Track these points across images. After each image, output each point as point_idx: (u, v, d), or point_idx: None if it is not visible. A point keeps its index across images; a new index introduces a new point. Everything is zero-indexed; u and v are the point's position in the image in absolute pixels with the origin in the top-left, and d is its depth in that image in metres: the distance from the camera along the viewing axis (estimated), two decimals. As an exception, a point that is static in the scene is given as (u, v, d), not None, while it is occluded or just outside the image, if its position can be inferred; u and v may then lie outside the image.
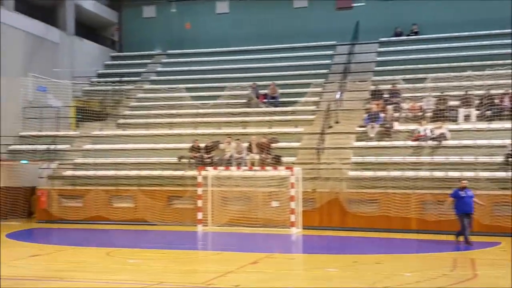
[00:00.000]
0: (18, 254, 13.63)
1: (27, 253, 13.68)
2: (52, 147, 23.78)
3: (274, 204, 19.01)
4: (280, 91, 26.23)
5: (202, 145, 22.17)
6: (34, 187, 22.91)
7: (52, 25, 29.24)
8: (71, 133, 25.41)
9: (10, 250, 14.31)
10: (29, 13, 27.47)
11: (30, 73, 25.54)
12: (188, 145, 22.32)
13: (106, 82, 29.05)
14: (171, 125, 24.71)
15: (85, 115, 26.30)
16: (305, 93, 25.52)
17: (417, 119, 21.63)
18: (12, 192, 23.13)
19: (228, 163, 20.74)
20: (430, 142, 20.15)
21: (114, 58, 33.24)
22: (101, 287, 9.84)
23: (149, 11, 33.76)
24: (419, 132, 20.56)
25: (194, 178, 19.62)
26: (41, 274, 10.90)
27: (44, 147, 23.81)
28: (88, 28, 33.15)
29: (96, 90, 28.68)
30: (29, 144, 24.24)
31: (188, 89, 27.31)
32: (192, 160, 21.68)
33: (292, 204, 17.94)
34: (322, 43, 29.87)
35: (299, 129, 22.88)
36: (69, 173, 22.72)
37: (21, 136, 24.98)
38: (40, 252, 13.87)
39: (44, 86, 26.31)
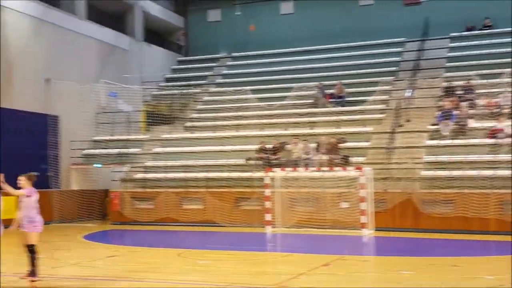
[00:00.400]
0: (95, 255, 14.00)
1: (104, 254, 14.02)
2: (124, 150, 24.40)
3: (344, 205, 18.68)
4: (347, 90, 25.84)
5: (269, 146, 22.11)
6: (108, 190, 23.57)
7: (122, 32, 30.09)
8: (141, 136, 25.98)
9: (88, 251, 14.77)
10: (100, 21, 28.38)
11: (102, 79, 26.33)
12: (255, 147, 22.33)
13: (173, 86, 29.56)
14: (237, 127, 24.82)
15: (154, 119, 26.85)
16: (373, 91, 25.02)
17: (494, 116, 20.74)
18: (87, 195, 23.90)
19: (295, 164, 20.58)
20: (508, 140, 19.25)
21: (180, 62, 33.82)
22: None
23: (214, 15, 34.13)
24: (495, 127, 19.71)
25: (262, 179, 19.58)
26: (118, 274, 11.11)
27: (116, 151, 24.48)
28: (155, 34, 33.91)
29: (164, 94, 29.24)
30: (102, 148, 24.97)
31: (254, 91, 27.37)
32: (259, 162, 21.66)
33: (363, 205, 17.56)
34: (390, 40, 29.23)
35: (368, 129, 22.43)
36: (140, 175, 23.22)
37: (94, 141, 25.76)
38: (116, 253, 14.19)
39: (115, 92, 27.06)
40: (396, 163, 19.70)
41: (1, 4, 22.28)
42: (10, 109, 22.24)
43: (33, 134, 23.18)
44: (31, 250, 10.31)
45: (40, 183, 21.87)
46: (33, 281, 10.14)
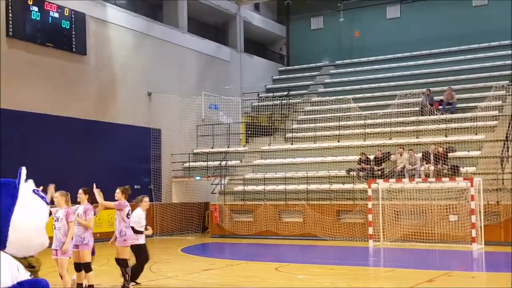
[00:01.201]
0: (191, 268, 14.43)
1: (200, 267, 14.44)
2: (223, 163, 25.08)
3: (452, 218, 18.03)
4: (457, 96, 24.96)
5: (372, 157, 21.83)
6: (207, 203, 24.31)
7: (223, 43, 31.03)
8: (241, 148, 26.57)
9: (184, 264, 15.28)
10: (201, 33, 29.47)
11: (202, 91, 27.28)
12: (357, 158, 22.14)
13: (274, 96, 29.98)
14: (339, 137, 24.72)
15: (254, 130, 27.36)
16: (486, 97, 23.97)
17: None
18: (188, 207, 24.78)
19: (400, 175, 20.17)
20: None
21: (282, 72, 34.25)
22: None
23: (316, 23, 34.31)
24: None
25: (364, 191, 19.35)
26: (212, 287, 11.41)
27: (216, 163, 25.21)
28: (256, 44, 34.65)
29: (264, 105, 29.72)
30: (202, 161, 25.80)
31: (356, 100, 27.14)
32: (362, 173, 21.44)
33: (473, 218, 16.87)
34: (504, 42, 27.91)
35: (480, 137, 21.52)
36: (239, 188, 23.73)
37: (195, 153, 26.69)
38: (212, 266, 14.56)
39: (216, 104, 27.92)
40: (510, 173, 18.74)
41: (108, 20, 23.78)
42: (114, 123, 23.61)
43: (136, 147, 24.42)
44: (123, 264, 10.81)
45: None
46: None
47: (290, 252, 18.48)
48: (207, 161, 25.54)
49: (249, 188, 23.43)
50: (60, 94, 21.59)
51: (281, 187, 22.66)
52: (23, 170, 3.10)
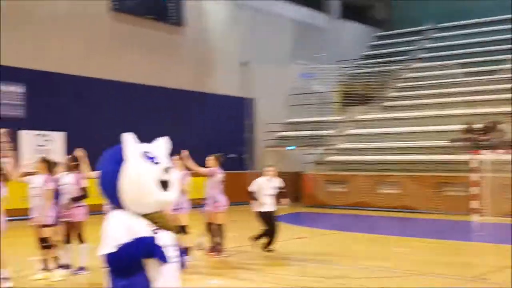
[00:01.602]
0: (284, 236, 14.31)
1: (293, 235, 14.31)
2: (317, 132, 24.66)
3: None
4: None
5: (478, 126, 20.61)
6: (301, 172, 24.06)
7: (318, 10, 30.35)
8: (335, 118, 26.03)
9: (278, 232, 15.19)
10: (295, 0, 28.93)
11: (297, 60, 26.89)
12: (461, 127, 20.98)
13: (371, 63, 29.08)
14: (442, 105, 23.57)
15: (349, 99, 26.70)
16: None
17: None
18: (281, 177, 24.57)
19: (509, 146, 18.90)
20: None
21: (379, 38, 33.14)
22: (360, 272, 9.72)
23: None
24: None
25: (468, 162, 18.32)
26: (305, 256, 11.18)
27: (309, 132, 24.85)
28: (353, 10, 33.60)
29: (360, 73, 28.90)
30: (296, 131, 25.53)
31: (462, 65, 25.73)
32: (466, 143, 20.31)
33: None
34: None
35: None
36: (333, 158, 23.29)
37: (288, 123, 26.45)
38: (306, 235, 14.40)
39: (310, 72, 27.45)
40: None
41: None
42: (210, 94, 23.87)
43: (230, 117, 24.57)
44: (219, 229, 10.88)
45: (236, 165, 23.40)
46: (215, 256, 10.70)
47: (386, 224, 17.91)
48: (301, 130, 25.25)
49: (344, 158, 22.95)
50: (159, 66, 22.20)
51: (377, 157, 21.97)
52: (127, 136, 3.32)
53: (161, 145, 3.48)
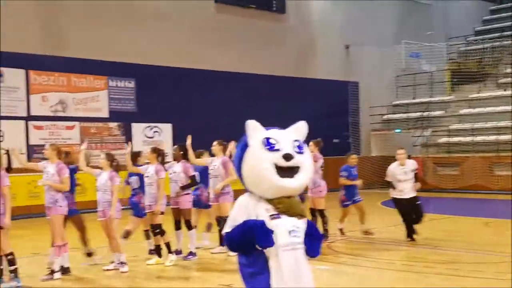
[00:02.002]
0: (391, 221, 14.19)
1: (399, 219, 14.13)
2: (426, 114, 24.04)
3: None
4: None
5: None
6: (409, 155, 23.55)
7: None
8: (446, 98, 25.22)
9: (385, 217, 15.07)
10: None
11: (402, 40, 26.29)
12: None
13: (484, 39, 27.83)
14: None
15: (461, 77, 25.76)
16: None
17: None
18: (387, 161, 24.18)
19: None
20: None
21: (493, 12, 31.60)
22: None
23: None
24: None
25: None
26: (415, 241, 10.97)
27: (417, 114, 24.27)
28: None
29: (473, 50, 27.74)
30: (403, 113, 25.02)
31: None
32: None
33: None
34: None
35: None
36: (444, 140, 22.64)
37: (394, 105, 25.97)
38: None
39: (417, 52, 26.74)
40: None
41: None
42: (313, 79, 23.96)
43: (334, 101, 24.53)
44: (321, 214, 11.00)
45: (341, 150, 23.34)
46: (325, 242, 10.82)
47: (501, 208, 17.20)
48: (408, 112, 24.72)
49: (455, 139, 22.24)
50: (262, 54, 22.61)
51: (492, 137, 21.10)
52: (250, 123, 3.49)
53: (293, 130, 3.61)
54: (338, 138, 23.61)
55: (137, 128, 19.97)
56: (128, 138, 18.91)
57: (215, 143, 10.10)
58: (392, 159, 23.77)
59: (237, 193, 10.28)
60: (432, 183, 21.70)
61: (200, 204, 10.38)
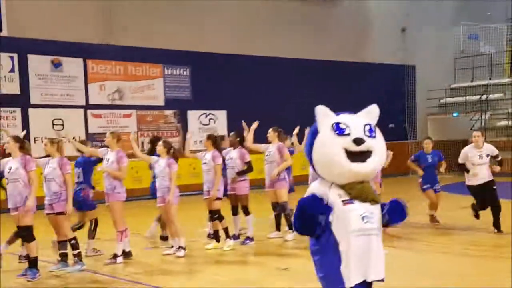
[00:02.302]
0: (448, 206, 14.03)
1: (457, 205, 13.94)
2: (484, 97, 23.46)
3: None
4: None
5: None
6: (466, 140, 23.07)
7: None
8: (505, 80, 24.53)
9: (442, 202, 14.86)
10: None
11: (461, 21, 25.67)
12: None
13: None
14: None
15: (522, 59, 25.01)
16: None
17: None
18: (444, 145, 23.82)
19: None
20: None
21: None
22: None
23: None
24: None
25: None
26: (475, 226, 10.84)
27: (475, 97, 23.72)
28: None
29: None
30: (460, 96, 24.49)
31: None
32: None
33: None
34: None
35: None
36: (503, 123, 22.10)
37: (452, 89, 25.45)
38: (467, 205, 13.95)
39: (476, 33, 26.08)
40: None
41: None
42: (368, 63, 23.73)
43: (390, 85, 24.21)
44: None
45: (397, 134, 23.07)
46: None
47: None
48: (466, 95, 24.18)
49: (515, 123, 21.67)
50: (317, 39, 22.52)
51: (555, 120, 20.48)
52: (319, 108, 3.49)
53: (364, 114, 3.60)
54: (393, 123, 23.31)
55: (193, 116, 20.26)
56: (184, 125, 19.21)
57: (270, 130, 10.16)
58: (451, 142, 23.41)
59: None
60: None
61: None
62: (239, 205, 9.95)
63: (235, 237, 9.83)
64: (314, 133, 3.49)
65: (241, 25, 21.08)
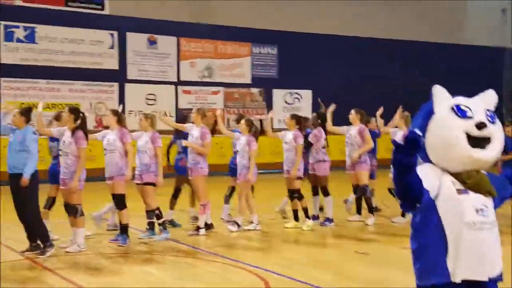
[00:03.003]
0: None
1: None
2: None
3: None
4: None
5: None
6: None
7: None
8: None
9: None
10: None
11: None
12: None
13: None
14: None
15: None
16: None
17: None
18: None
19: None
20: None
21: None
22: None
23: None
24: None
25: None
26: None
27: None
28: None
29: None
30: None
31: None
32: None
33: None
34: None
35: None
36: None
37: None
38: None
39: None
40: None
41: None
42: (464, 45, 22.97)
43: (486, 70, 23.25)
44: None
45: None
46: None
47: None
48: None
49: None
50: (408, 19, 22.09)
51: None
52: (437, 88, 3.24)
53: (481, 99, 3.30)
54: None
55: (278, 94, 20.47)
56: (269, 104, 19.50)
57: (352, 111, 10.05)
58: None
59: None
60: None
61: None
62: (319, 186, 9.99)
63: (314, 217, 9.91)
64: (429, 114, 3.20)
65: (332, 5, 20.93)
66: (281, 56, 20.46)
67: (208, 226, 9.20)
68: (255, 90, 20.27)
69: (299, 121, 9.62)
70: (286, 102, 20.56)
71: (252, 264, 7.16)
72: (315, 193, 10.06)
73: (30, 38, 17.03)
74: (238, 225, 9.27)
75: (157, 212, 8.59)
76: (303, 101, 20.67)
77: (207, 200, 9.02)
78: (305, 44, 20.38)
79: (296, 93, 20.75)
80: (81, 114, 7.80)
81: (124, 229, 8.26)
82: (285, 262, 7.40)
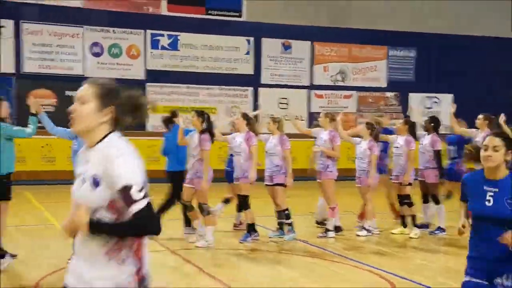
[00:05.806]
0: None
1: None
2: None
3: None
4: None
5: None
6: None
7: None
8: None
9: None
10: None
11: None
12: None
13: None
14: None
15: None
16: None
17: None
18: None
19: None
20: None
21: None
22: None
23: None
24: None
25: None
26: None
27: None
28: None
29: None
30: None
31: None
32: None
33: None
34: None
35: None
36: None
37: None
38: None
39: None
40: None
41: None
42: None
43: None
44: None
45: None
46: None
47: None
48: None
49: None
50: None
51: None
52: None
53: None
54: None
55: (414, 98, 20.10)
56: (404, 108, 19.23)
57: (480, 116, 9.36)
58: None
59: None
60: None
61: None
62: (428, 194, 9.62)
63: (424, 225, 9.64)
64: None
65: (477, 4, 19.97)
66: (420, 58, 20.07)
67: (337, 229, 9.35)
68: (390, 94, 20.06)
69: (412, 126, 9.48)
70: (424, 106, 20.11)
71: (378, 267, 7.29)
72: (425, 200, 9.76)
73: (173, 45, 18.17)
74: (366, 230, 9.35)
75: (286, 212, 8.91)
76: (442, 105, 20.07)
77: (335, 203, 9.18)
78: (445, 46, 19.71)
79: (435, 97, 20.25)
80: (205, 116, 8.32)
81: (249, 227, 8.67)
82: (411, 267, 7.47)
